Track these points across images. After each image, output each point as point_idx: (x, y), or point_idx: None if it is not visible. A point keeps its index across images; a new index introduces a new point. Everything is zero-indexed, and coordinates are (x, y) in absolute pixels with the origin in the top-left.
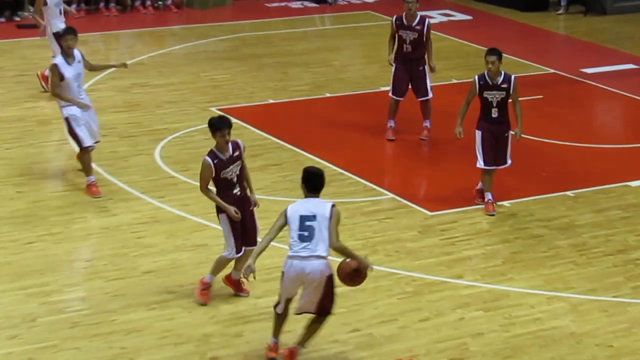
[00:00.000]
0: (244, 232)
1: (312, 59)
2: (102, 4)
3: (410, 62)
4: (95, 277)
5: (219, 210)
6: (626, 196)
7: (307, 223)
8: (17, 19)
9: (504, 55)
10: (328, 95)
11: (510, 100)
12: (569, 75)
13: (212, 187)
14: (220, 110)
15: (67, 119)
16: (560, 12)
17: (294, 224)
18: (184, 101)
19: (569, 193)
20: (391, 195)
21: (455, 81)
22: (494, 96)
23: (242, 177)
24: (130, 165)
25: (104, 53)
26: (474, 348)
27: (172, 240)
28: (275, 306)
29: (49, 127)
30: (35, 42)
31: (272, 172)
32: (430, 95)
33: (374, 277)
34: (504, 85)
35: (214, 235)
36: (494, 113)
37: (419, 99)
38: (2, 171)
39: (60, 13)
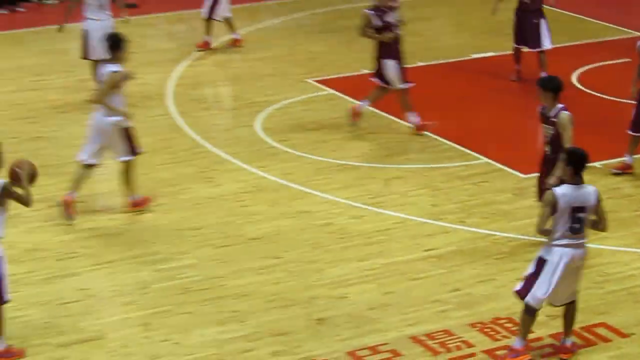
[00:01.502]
0: None
1: (405, 29)
2: None
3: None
4: (204, 244)
5: None
6: None
7: (579, 215)
8: None
9: (589, 20)
10: (420, 64)
11: None
12: None
13: None
14: (316, 81)
15: None
16: None
17: (565, 214)
18: (282, 74)
19: None
20: (485, 159)
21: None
22: None
23: (556, 142)
24: (232, 136)
25: (202, 29)
26: None
27: (276, 208)
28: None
29: (154, 102)
30: (135, 20)
31: (369, 140)
32: (546, 46)
33: (471, 238)
34: None
35: (316, 202)
36: None
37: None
38: None
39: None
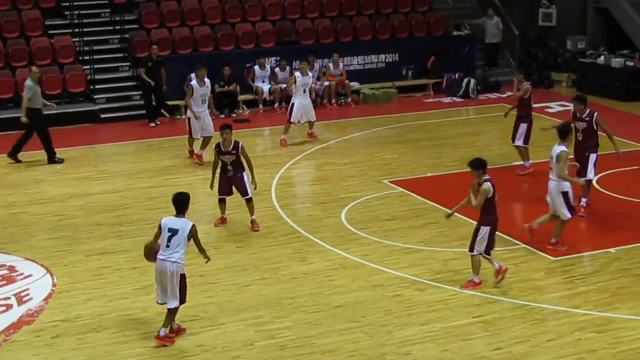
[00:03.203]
0: None
1: (461, 141)
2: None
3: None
4: (298, 310)
5: None
6: None
7: None
8: (234, 115)
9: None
10: None
11: None
12: None
13: None
14: (390, 181)
15: None
16: None
17: None
18: (362, 175)
19: None
20: (523, 245)
21: (571, 156)
22: None
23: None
24: (322, 225)
25: (299, 139)
26: None
27: (356, 282)
28: None
29: (261, 197)
30: (247, 132)
31: (431, 229)
32: (588, 177)
33: (511, 307)
34: None
35: (388, 277)
36: None
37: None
38: (226, 232)
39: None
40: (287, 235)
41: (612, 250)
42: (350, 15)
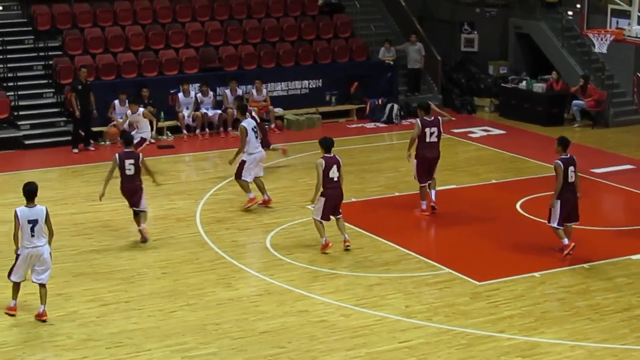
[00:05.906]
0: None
1: (384, 166)
2: (221, 129)
3: None
4: (224, 336)
5: None
6: (629, 267)
7: None
8: (153, 141)
9: (530, 160)
10: (397, 194)
11: None
12: (581, 174)
13: None
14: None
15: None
16: (574, 125)
17: None
18: (287, 201)
19: (584, 265)
20: (448, 269)
21: (494, 181)
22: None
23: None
24: (248, 250)
25: (222, 166)
26: None
27: (281, 308)
28: None
29: (185, 223)
30: (171, 158)
31: (355, 255)
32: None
33: (436, 332)
34: None
35: (313, 303)
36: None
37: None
38: (151, 258)
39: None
40: (212, 261)
41: (536, 274)
42: (273, 41)
